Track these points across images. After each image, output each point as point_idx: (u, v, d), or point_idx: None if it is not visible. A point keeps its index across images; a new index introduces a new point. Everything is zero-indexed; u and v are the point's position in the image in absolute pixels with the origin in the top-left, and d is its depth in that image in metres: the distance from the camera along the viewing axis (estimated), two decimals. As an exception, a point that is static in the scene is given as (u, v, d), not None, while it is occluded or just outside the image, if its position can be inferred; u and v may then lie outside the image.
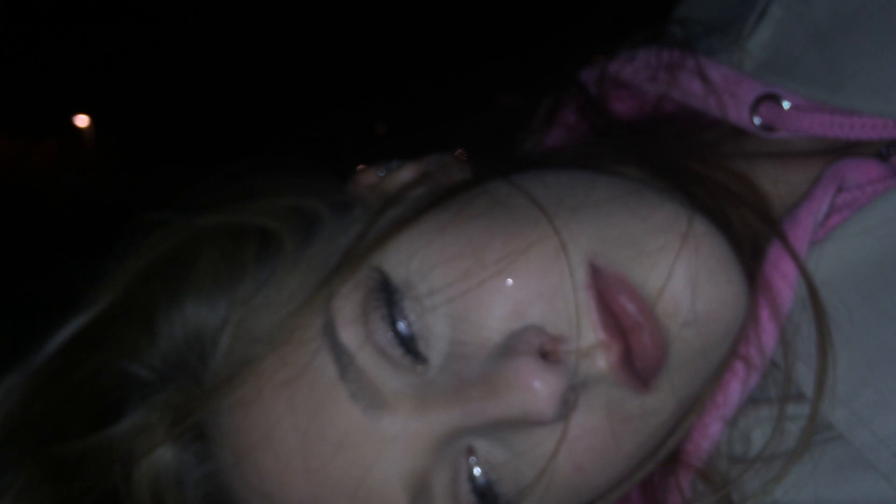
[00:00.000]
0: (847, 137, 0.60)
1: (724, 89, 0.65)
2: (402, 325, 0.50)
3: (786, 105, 0.63)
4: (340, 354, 0.50)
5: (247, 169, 0.60)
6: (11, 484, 0.55)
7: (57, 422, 0.56)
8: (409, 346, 0.50)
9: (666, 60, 0.69)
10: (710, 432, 0.56)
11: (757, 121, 0.64)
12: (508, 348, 0.49)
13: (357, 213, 0.59)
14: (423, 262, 0.51)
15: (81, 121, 8.26)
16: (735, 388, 0.55)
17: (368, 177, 0.64)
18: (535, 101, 0.75)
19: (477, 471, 0.51)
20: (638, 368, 0.50)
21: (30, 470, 0.55)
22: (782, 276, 0.54)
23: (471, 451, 0.51)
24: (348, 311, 0.51)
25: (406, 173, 0.63)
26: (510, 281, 0.50)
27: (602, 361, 0.49)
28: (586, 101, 0.71)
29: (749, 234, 0.58)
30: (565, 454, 0.50)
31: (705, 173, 0.62)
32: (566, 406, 0.49)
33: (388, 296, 0.50)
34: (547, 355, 0.49)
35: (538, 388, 0.47)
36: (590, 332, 0.50)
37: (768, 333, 0.54)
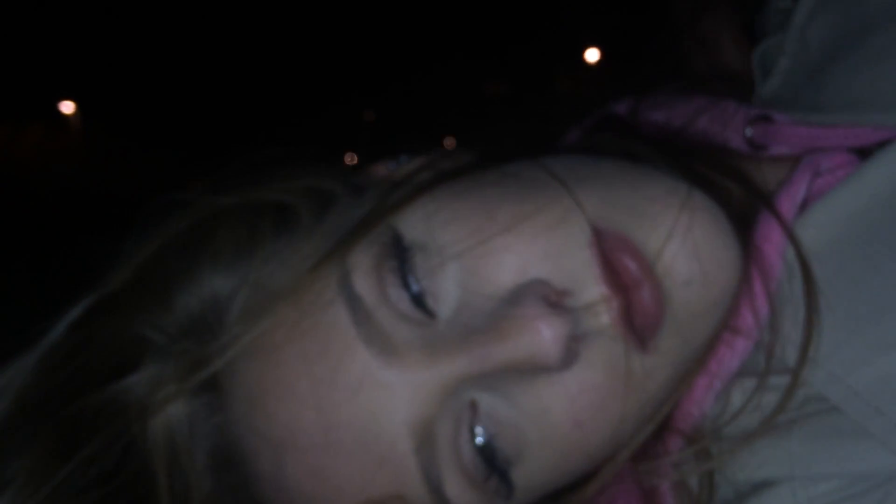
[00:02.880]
0: (822, 146, 0.64)
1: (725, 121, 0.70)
2: (412, 280, 0.53)
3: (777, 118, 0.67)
4: (355, 304, 0.53)
5: (264, 158, 0.63)
6: (26, 453, 0.56)
7: (73, 389, 0.57)
8: (419, 300, 0.53)
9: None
10: (699, 398, 0.58)
11: (748, 132, 0.68)
12: (515, 298, 0.52)
13: (370, 195, 0.62)
14: (436, 222, 0.54)
15: (67, 107, 8.17)
16: (727, 356, 0.58)
17: (380, 170, 0.67)
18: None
19: (478, 428, 0.53)
20: (637, 325, 0.53)
21: (46, 435, 0.56)
22: (772, 245, 0.58)
23: (474, 405, 0.54)
24: (363, 263, 0.54)
25: (415, 165, 0.66)
26: (518, 239, 0.53)
27: (604, 315, 0.52)
28: (623, 131, 0.74)
29: (740, 210, 0.61)
30: (565, 408, 0.53)
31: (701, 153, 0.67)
32: (570, 354, 0.51)
33: (400, 251, 0.53)
34: (552, 305, 0.51)
35: (544, 330, 0.50)
36: (593, 287, 0.53)
37: (761, 302, 0.57)
